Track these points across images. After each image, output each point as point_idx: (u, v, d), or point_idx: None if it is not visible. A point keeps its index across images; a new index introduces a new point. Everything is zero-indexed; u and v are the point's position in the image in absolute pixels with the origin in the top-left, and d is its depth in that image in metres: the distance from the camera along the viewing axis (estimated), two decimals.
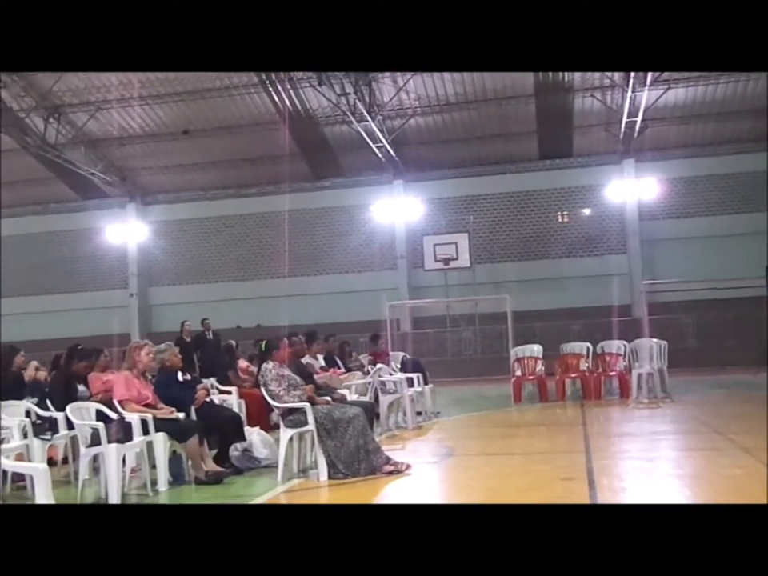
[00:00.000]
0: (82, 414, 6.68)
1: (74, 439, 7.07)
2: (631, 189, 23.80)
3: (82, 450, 6.44)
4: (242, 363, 11.94)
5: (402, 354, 14.15)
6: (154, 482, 6.71)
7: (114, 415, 6.62)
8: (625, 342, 14.07)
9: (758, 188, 23.32)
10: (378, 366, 11.23)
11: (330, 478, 6.73)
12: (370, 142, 22.52)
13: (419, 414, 11.22)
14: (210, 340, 15.81)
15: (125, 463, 6.61)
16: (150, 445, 6.74)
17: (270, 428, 9.31)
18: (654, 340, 13.89)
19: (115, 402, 6.86)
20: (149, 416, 6.74)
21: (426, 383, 11.92)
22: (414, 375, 11.48)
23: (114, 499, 6.09)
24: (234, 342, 12.90)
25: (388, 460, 6.90)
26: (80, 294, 26.92)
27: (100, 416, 6.64)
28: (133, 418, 6.64)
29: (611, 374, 13.49)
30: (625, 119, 21.26)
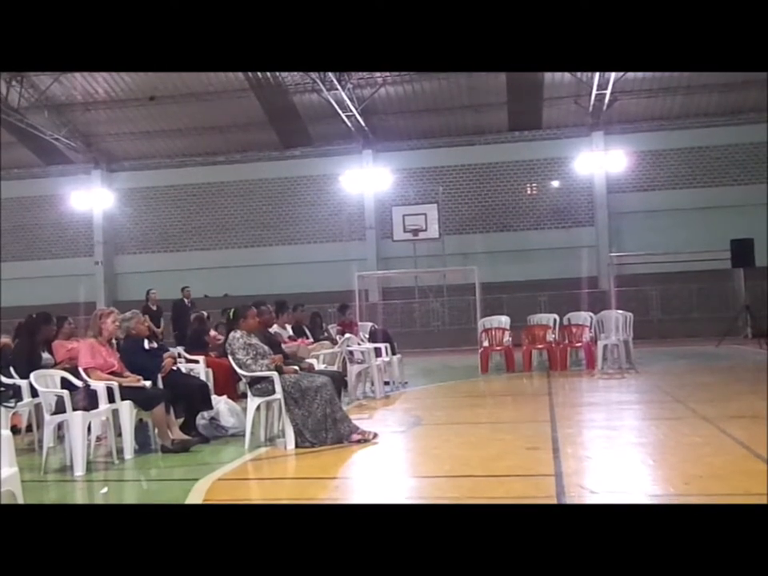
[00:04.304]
0: (47, 382, 6.61)
1: (38, 407, 6.99)
2: (599, 161, 23.90)
3: (47, 417, 6.37)
4: (212, 332, 11.89)
5: (370, 324, 14.19)
6: (119, 450, 6.68)
7: (79, 383, 6.56)
8: (591, 314, 14.22)
9: (724, 161, 23.63)
10: (347, 335, 11.25)
11: (297, 446, 6.74)
12: (340, 111, 22.36)
13: (387, 383, 11.28)
14: (189, 308, 15.67)
15: (90, 431, 6.56)
16: (115, 413, 6.71)
17: (238, 397, 9.30)
18: (620, 312, 14.05)
19: (80, 369, 6.79)
20: (114, 384, 6.69)
21: (393, 353, 11.97)
22: (382, 345, 11.52)
23: (79, 467, 6.06)
24: (205, 313, 12.83)
25: (355, 429, 6.93)
26: (44, 261, 26.57)
27: (65, 384, 6.58)
28: (98, 385, 6.59)
29: (577, 345, 13.62)
30: (594, 92, 21.31)
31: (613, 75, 20.05)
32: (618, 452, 6.40)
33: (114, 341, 7.48)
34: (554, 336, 13.70)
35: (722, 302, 21.10)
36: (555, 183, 24.86)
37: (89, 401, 6.37)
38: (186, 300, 16.15)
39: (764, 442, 6.06)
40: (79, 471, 6.05)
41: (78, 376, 6.68)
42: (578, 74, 21.87)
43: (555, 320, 14.12)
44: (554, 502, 4.60)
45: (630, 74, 21.27)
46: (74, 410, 6.20)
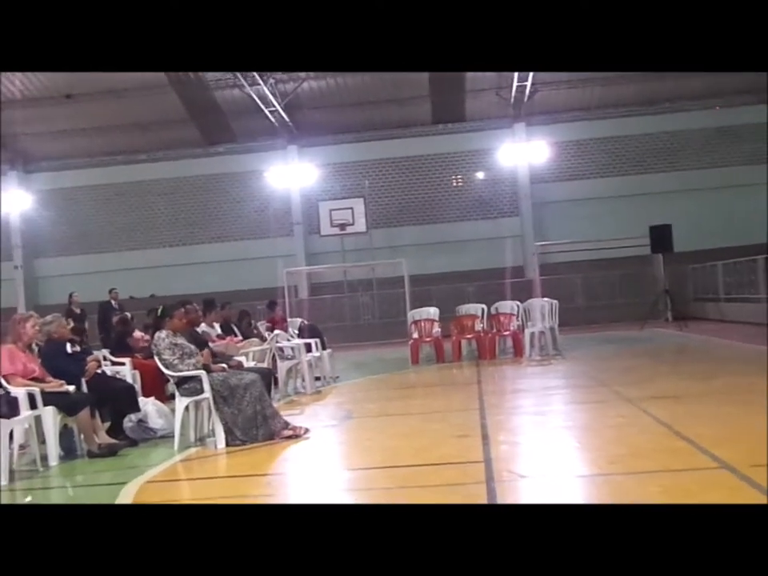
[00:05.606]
0: None
1: None
2: (522, 152, 24.25)
3: None
4: (137, 333, 11.67)
5: (299, 320, 14.13)
6: (44, 458, 6.51)
7: None
8: (518, 303, 14.46)
9: (642, 150, 24.27)
10: (276, 332, 11.19)
11: (227, 445, 6.69)
12: (263, 107, 22.18)
13: (318, 379, 11.26)
14: (116, 310, 15.38)
15: (12, 439, 6.37)
16: (38, 419, 6.53)
17: (167, 398, 9.14)
18: (546, 300, 14.32)
19: None
20: (36, 390, 6.51)
21: (324, 348, 11.95)
22: (311, 341, 11.49)
23: (2, 477, 5.88)
24: (128, 314, 12.60)
25: (286, 425, 6.91)
26: None
27: None
28: (19, 392, 6.40)
29: (505, 333, 13.82)
30: (515, 83, 21.60)
31: None
32: (546, 436, 6.54)
33: (34, 346, 7.29)
34: (482, 325, 13.87)
35: (643, 287, 21.67)
36: (480, 174, 25.12)
37: (9, 408, 6.19)
38: (113, 302, 15.84)
39: (684, 420, 6.27)
40: (1, 481, 5.88)
41: None
42: None
43: (483, 310, 14.30)
44: (484, 487, 4.67)
45: None
46: None
